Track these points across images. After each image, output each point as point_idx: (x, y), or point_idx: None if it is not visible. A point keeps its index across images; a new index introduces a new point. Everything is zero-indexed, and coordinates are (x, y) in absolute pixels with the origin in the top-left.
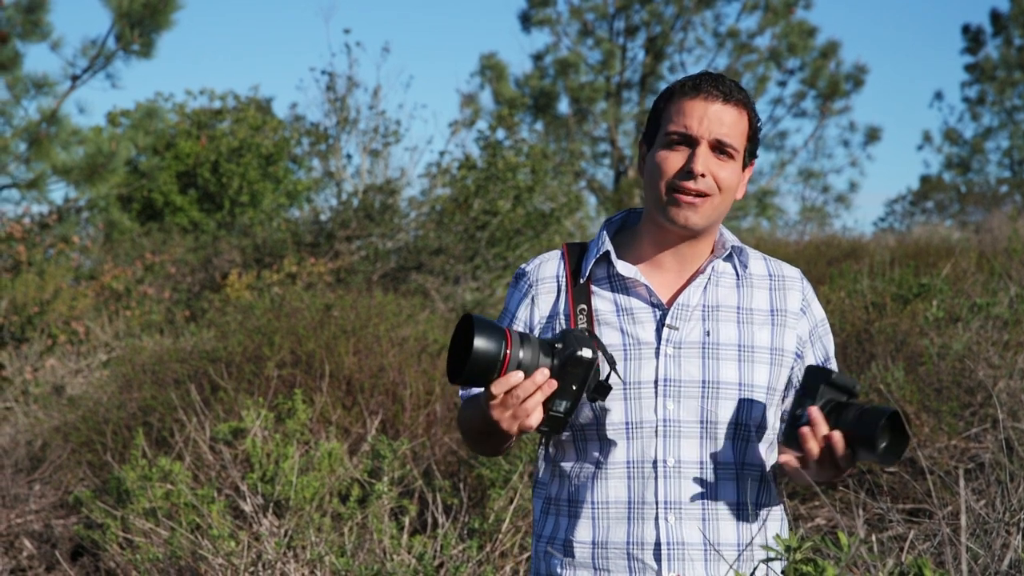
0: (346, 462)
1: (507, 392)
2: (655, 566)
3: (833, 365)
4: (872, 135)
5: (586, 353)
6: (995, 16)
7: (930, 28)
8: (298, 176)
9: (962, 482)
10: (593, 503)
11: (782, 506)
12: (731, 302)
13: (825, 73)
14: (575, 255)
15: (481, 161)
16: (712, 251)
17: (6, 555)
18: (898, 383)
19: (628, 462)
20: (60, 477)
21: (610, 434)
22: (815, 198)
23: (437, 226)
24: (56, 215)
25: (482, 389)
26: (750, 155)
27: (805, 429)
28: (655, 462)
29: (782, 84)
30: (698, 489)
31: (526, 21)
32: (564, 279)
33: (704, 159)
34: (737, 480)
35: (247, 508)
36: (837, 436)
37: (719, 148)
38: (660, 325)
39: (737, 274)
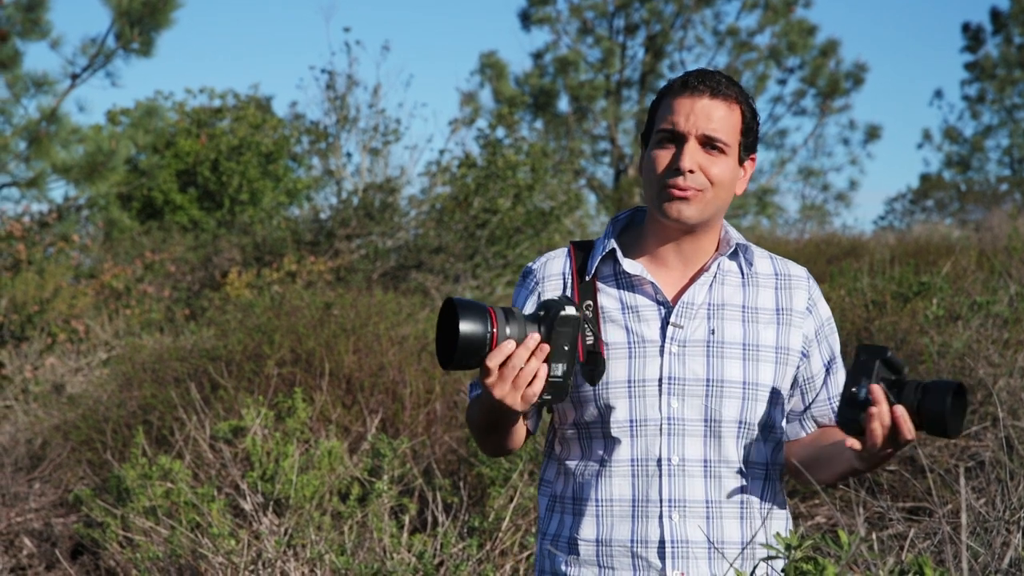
0: (346, 461)
1: (502, 366)
2: (659, 564)
3: (839, 364)
4: (872, 133)
5: (570, 310)
6: (995, 14)
7: (930, 26)
8: (298, 175)
9: (962, 480)
10: (597, 501)
11: (786, 505)
12: (736, 301)
13: (825, 71)
14: (581, 253)
15: (481, 159)
16: (717, 248)
17: (6, 553)
18: None
19: (632, 460)
20: (60, 475)
21: (614, 432)
22: (815, 196)
23: (437, 224)
24: (56, 214)
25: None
26: (747, 149)
27: (873, 409)
28: (659, 460)
29: (782, 82)
30: (702, 487)
31: (526, 19)
32: (570, 276)
33: (692, 155)
34: (741, 479)
35: (247, 507)
36: (901, 411)
37: (709, 143)
38: (665, 323)
39: (742, 272)
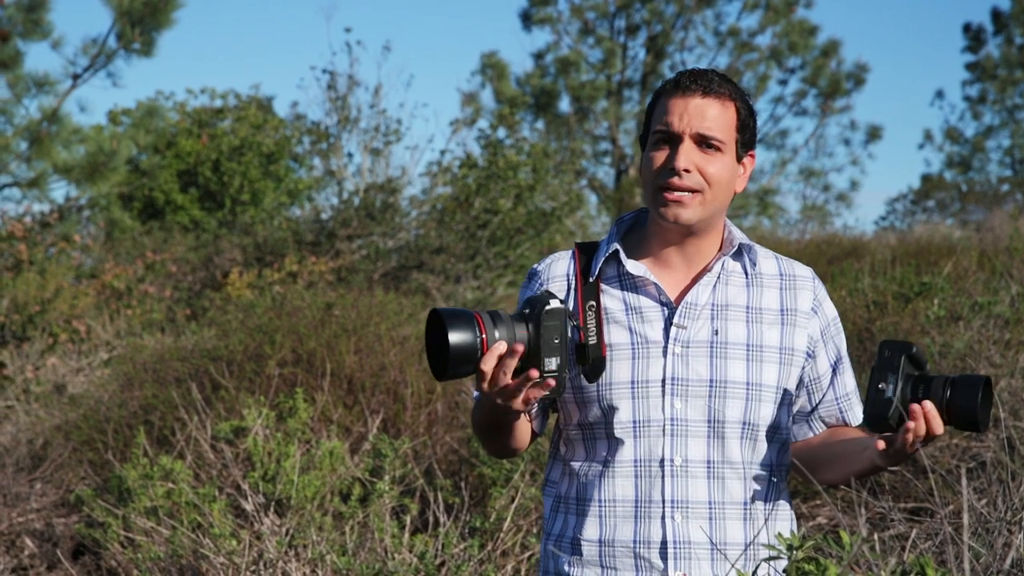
0: (347, 461)
1: (496, 368)
2: (661, 565)
3: (846, 365)
4: (873, 134)
5: (554, 303)
6: (996, 15)
7: (931, 27)
8: (299, 175)
9: (964, 481)
10: (600, 501)
11: (791, 506)
12: (740, 301)
13: (826, 72)
14: (586, 254)
15: (482, 160)
16: (720, 248)
17: (7, 554)
18: None
19: (635, 461)
20: (61, 476)
21: (618, 432)
22: (816, 197)
23: (438, 225)
24: (57, 214)
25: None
26: (744, 146)
27: (916, 407)
28: (662, 461)
29: (783, 83)
30: (705, 488)
31: (527, 20)
32: (574, 278)
33: (687, 155)
34: (744, 480)
35: (248, 507)
36: (930, 407)
37: (704, 142)
38: (668, 324)
39: (746, 273)
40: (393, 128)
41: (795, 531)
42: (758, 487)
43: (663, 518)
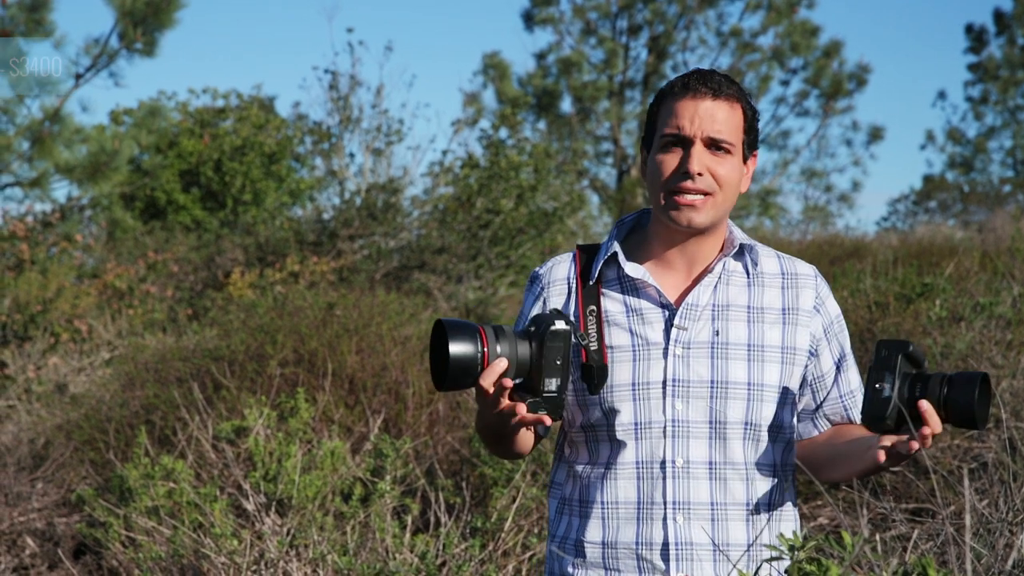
0: (348, 461)
1: (496, 384)
2: (663, 566)
3: (850, 362)
4: (875, 134)
5: (560, 325)
6: (998, 15)
7: (933, 27)
8: (301, 175)
9: (966, 481)
10: (603, 503)
11: (795, 506)
12: (741, 301)
13: (828, 72)
14: (586, 257)
15: (484, 160)
16: (722, 249)
17: (9, 553)
18: None
19: (637, 463)
20: (63, 475)
21: (619, 435)
22: (818, 197)
23: (440, 225)
24: (59, 213)
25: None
26: (749, 147)
27: (925, 406)
28: (663, 462)
29: (785, 83)
30: (707, 490)
31: (529, 20)
32: (575, 281)
33: (699, 158)
34: (747, 480)
35: (249, 507)
36: (927, 406)
37: (714, 145)
38: (669, 325)
39: (748, 272)
40: (395, 128)
41: (798, 532)
42: (761, 488)
43: (665, 520)
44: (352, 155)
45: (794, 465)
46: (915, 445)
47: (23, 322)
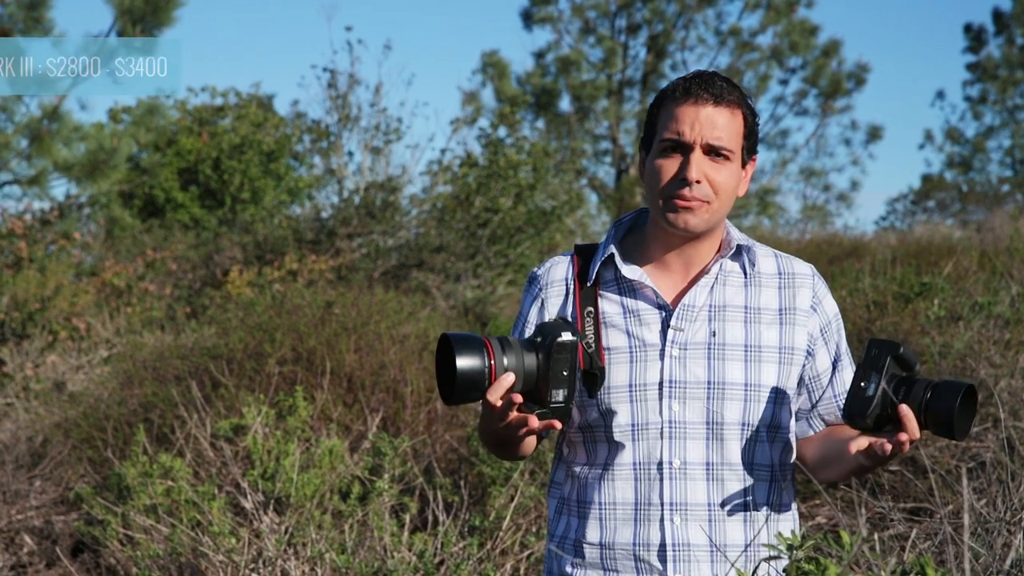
0: (347, 459)
1: (503, 398)
2: (660, 567)
3: (847, 362)
4: (874, 134)
5: (566, 336)
6: (997, 15)
7: (932, 27)
8: (299, 173)
9: (964, 481)
10: (601, 504)
11: (794, 506)
12: (738, 301)
13: (827, 72)
14: (584, 258)
15: (482, 159)
16: (719, 250)
17: (7, 551)
18: None
19: (634, 464)
20: (61, 473)
21: (617, 436)
22: (816, 197)
23: (438, 224)
24: (57, 211)
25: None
26: (748, 152)
27: (904, 409)
28: (660, 463)
29: (784, 83)
30: (704, 490)
31: (528, 19)
32: (572, 282)
33: (698, 165)
34: (744, 481)
35: (248, 505)
36: (906, 411)
37: (714, 152)
38: (665, 327)
39: (745, 273)
40: (394, 127)
41: (796, 531)
42: (759, 488)
43: (662, 520)
44: (351, 153)
45: (793, 465)
46: (888, 448)
47: (21, 320)
